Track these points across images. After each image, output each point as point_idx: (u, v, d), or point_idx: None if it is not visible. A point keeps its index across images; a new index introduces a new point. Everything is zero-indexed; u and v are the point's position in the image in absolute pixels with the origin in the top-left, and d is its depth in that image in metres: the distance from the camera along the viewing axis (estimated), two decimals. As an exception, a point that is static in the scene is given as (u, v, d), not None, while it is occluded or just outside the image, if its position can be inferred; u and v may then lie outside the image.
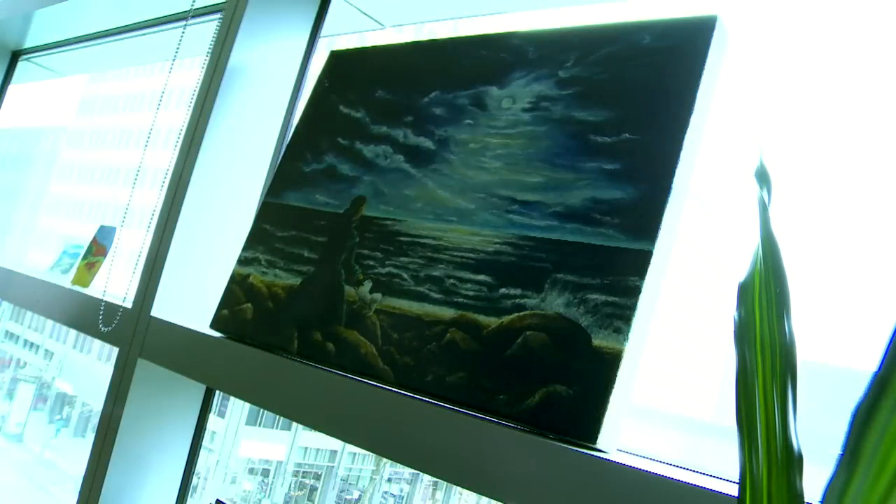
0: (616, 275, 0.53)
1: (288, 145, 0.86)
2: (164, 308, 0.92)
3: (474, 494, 0.52)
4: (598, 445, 0.48)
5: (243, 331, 0.76)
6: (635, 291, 0.51)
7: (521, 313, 0.56)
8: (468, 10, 1.07)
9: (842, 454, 0.21)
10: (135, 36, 1.61)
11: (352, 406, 0.62)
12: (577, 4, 0.92)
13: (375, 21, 1.17)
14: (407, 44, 0.81)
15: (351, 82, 0.84)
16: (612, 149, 0.58)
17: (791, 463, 0.25)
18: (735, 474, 0.32)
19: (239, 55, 0.97)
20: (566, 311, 0.54)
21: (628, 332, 0.50)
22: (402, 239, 0.67)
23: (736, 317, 0.28)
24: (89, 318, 1.01)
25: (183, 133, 0.97)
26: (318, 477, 6.16)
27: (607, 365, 0.50)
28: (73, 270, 1.25)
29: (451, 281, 0.62)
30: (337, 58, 0.89)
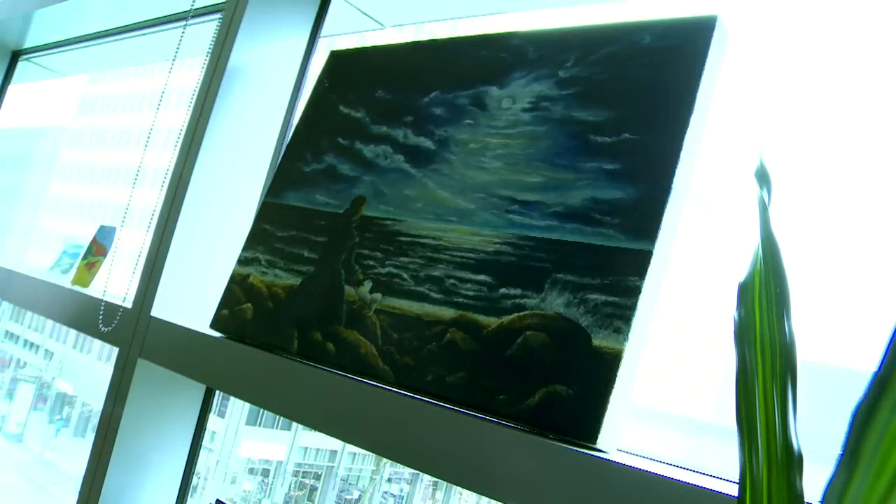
0: (616, 275, 0.53)
1: (288, 145, 0.86)
2: (164, 308, 0.92)
3: (474, 494, 0.52)
4: (598, 445, 0.48)
5: (243, 331, 0.76)
6: (635, 291, 0.51)
7: (521, 313, 0.56)
8: (468, 10, 1.07)
9: (842, 454, 0.21)
10: (135, 36, 1.61)
11: (352, 406, 0.62)
12: (577, 4, 0.92)
13: (375, 21, 1.17)
14: (407, 44, 0.81)
15: (351, 82, 0.84)
16: (612, 149, 0.58)
17: (791, 463, 0.25)
18: (735, 474, 0.32)
19: (239, 55, 0.97)
20: (566, 311, 0.54)
21: (628, 332, 0.50)
22: (402, 239, 0.67)
23: (736, 317, 0.28)
24: (89, 318, 1.01)
25: (183, 133, 0.97)
26: (318, 477, 6.16)
27: (607, 365, 0.50)
28: (73, 270, 1.25)
29: (451, 281, 0.62)
30: (337, 58, 0.89)
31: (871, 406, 0.21)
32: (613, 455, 0.48)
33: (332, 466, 6.08)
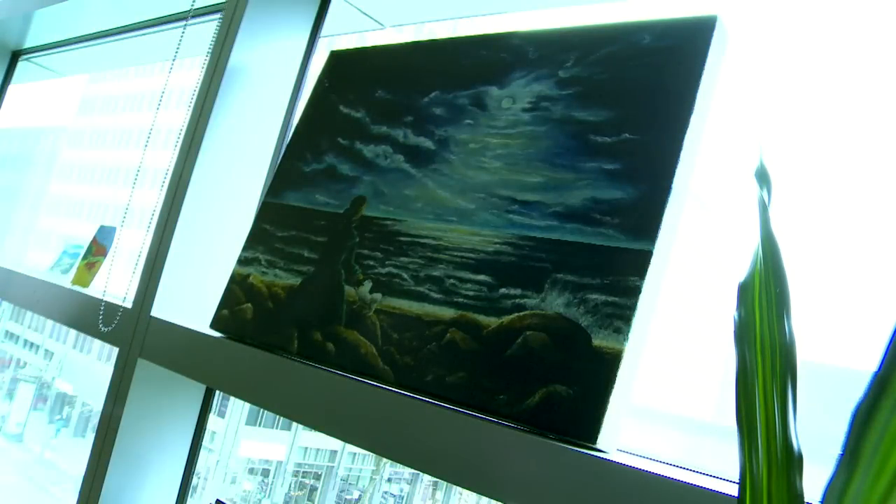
0: (616, 275, 0.53)
1: (288, 145, 0.86)
2: (164, 308, 0.92)
3: (474, 494, 0.52)
4: (598, 445, 0.48)
5: (243, 331, 0.76)
6: (635, 291, 0.51)
7: (521, 313, 0.56)
8: (468, 10, 1.07)
9: (842, 454, 0.21)
10: (135, 36, 1.62)
11: (352, 406, 0.62)
12: (577, 4, 0.92)
13: (375, 21, 1.17)
14: (407, 44, 0.81)
15: (351, 82, 0.84)
16: (612, 149, 0.58)
17: (791, 463, 0.25)
18: (735, 474, 0.32)
19: (239, 55, 0.97)
20: (566, 311, 0.54)
21: (628, 332, 0.50)
22: (402, 239, 0.67)
23: (736, 317, 0.28)
24: (89, 318, 1.01)
25: (183, 133, 0.97)
26: (318, 477, 6.16)
27: (607, 365, 0.50)
28: (73, 270, 1.25)
29: (451, 281, 0.62)
30: (337, 58, 0.89)
31: (871, 406, 0.21)
32: (613, 455, 0.48)
33: (332, 466, 6.08)
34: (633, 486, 0.44)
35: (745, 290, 0.28)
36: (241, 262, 0.81)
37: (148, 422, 0.93)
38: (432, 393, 0.58)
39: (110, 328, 0.96)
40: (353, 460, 5.91)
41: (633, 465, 0.45)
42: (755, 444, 0.25)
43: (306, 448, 6.12)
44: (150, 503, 0.94)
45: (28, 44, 1.91)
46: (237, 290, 0.80)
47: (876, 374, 0.21)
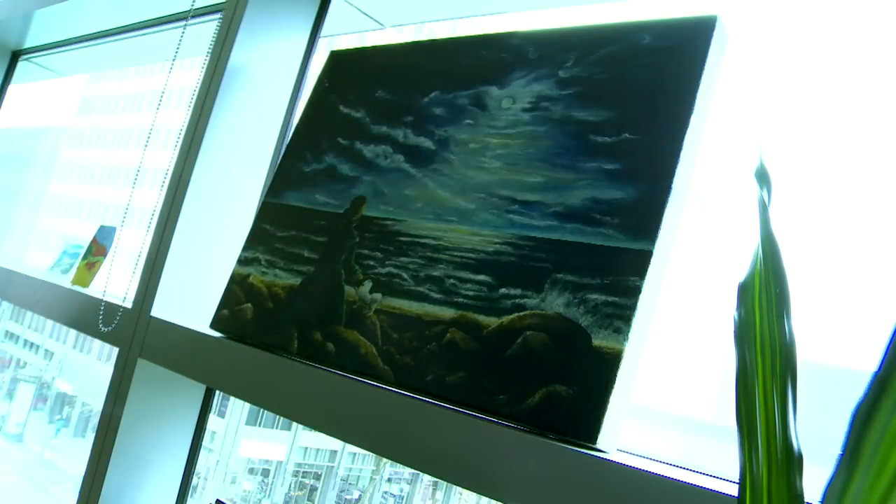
0: (616, 275, 0.53)
1: (288, 145, 0.86)
2: (164, 308, 0.92)
3: (474, 494, 0.52)
4: (598, 445, 0.48)
5: (243, 331, 0.76)
6: (635, 291, 0.51)
7: (521, 313, 0.56)
8: (468, 10, 1.07)
9: (842, 454, 0.21)
10: (135, 36, 1.62)
11: (352, 406, 0.62)
12: (577, 4, 0.92)
13: (375, 21, 1.17)
14: (407, 44, 0.81)
15: (351, 82, 0.84)
16: (612, 149, 0.58)
17: (791, 463, 0.25)
18: (735, 474, 0.32)
19: (239, 55, 0.97)
20: (566, 311, 0.54)
21: (628, 332, 0.50)
22: (402, 239, 0.67)
23: (736, 317, 0.28)
24: (89, 318, 1.01)
25: (183, 133, 0.97)
26: (318, 477, 6.16)
27: (607, 365, 0.50)
28: (73, 270, 1.25)
29: (451, 281, 0.62)
30: (337, 58, 0.89)
31: (871, 406, 0.21)
32: (613, 455, 0.48)
33: (332, 466, 6.08)
34: (633, 486, 0.44)
35: (745, 290, 0.28)
36: (241, 262, 0.81)
37: (148, 422, 0.93)
38: (432, 393, 0.58)
39: (110, 328, 0.96)
40: (353, 460, 5.91)
41: (633, 465, 0.45)
42: (755, 444, 0.25)
43: (306, 448, 6.12)
44: (150, 503, 0.94)
45: (28, 44, 1.91)
46: (237, 290, 0.80)
47: (876, 374, 0.21)
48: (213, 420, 1.03)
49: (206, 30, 1.19)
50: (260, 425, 6.32)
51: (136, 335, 0.92)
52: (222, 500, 0.85)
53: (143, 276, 0.95)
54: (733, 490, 0.41)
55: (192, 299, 0.95)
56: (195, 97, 0.98)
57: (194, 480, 0.99)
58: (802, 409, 0.26)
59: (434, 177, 0.69)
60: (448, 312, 0.60)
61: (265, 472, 6.33)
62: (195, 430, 0.98)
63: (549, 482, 0.48)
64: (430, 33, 0.86)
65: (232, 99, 0.96)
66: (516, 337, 0.55)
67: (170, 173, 0.97)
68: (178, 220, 0.93)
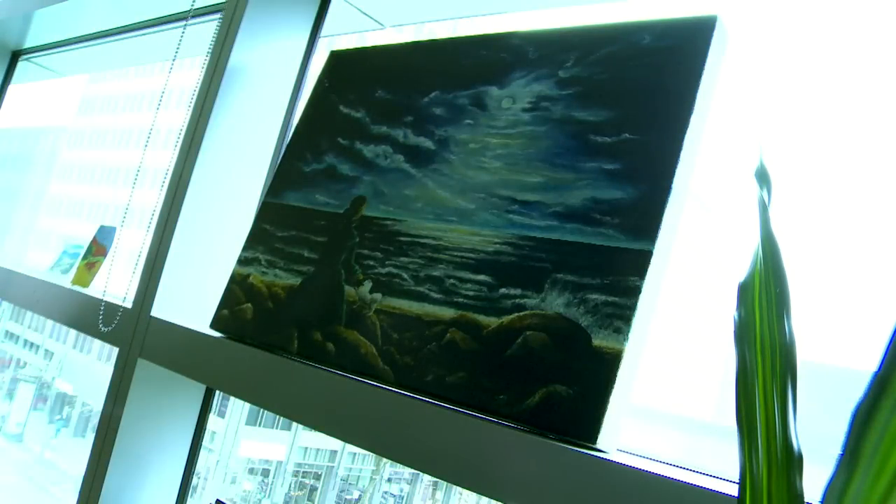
0: (616, 275, 0.53)
1: (288, 145, 0.86)
2: (164, 308, 0.92)
3: (474, 494, 0.52)
4: (598, 445, 0.48)
5: (243, 331, 0.76)
6: (635, 291, 0.51)
7: (521, 313, 0.56)
8: (468, 10, 1.07)
9: (842, 454, 0.21)
10: (135, 36, 1.61)
11: (352, 406, 0.62)
12: (577, 4, 0.92)
13: (375, 21, 1.17)
14: (407, 44, 0.81)
15: (351, 82, 0.84)
16: (612, 149, 0.58)
17: (791, 463, 0.25)
18: (735, 474, 0.32)
19: (239, 55, 0.97)
20: (566, 311, 0.54)
21: (628, 332, 0.50)
22: (402, 239, 0.67)
23: (736, 317, 0.28)
24: (89, 318, 1.01)
25: (183, 133, 0.97)
26: (318, 477, 6.16)
27: (607, 365, 0.50)
28: (73, 270, 1.25)
29: (451, 281, 0.62)
30: (337, 58, 0.89)
31: (871, 406, 0.21)
32: (613, 455, 0.48)
33: (332, 466, 6.08)
34: (633, 486, 0.44)
35: (745, 290, 0.28)
36: (241, 262, 0.81)
37: (148, 422, 0.93)
38: (432, 393, 0.58)
39: (110, 328, 0.96)
40: (353, 460, 5.91)
41: (633, 465, 0.45)
42: (755, 444, 0.25)
43: (306, 448, 6.12)
44: (150, 503, 0.94)
45: (28, 44, 1.91)
46: (237, 290, 0.80)
47: (876, 374, 0.21)
48: (213, 420, 1.03)
49: (206, 30, 1.19)
50: (260, 425, 6.32)
51: (136, 335, 0.92)
52: (222, 500, 0.85)
53: (143, 276, 0.95)
54: (733, 490, 0.41)
55: (192, 299, 0.95)
56: (195, 97, 0.98)
57: (194, 480, 0.99)
58: (802, 409, 0.26)
59: (434, 177, 0.69)
60: (448, 312, 0.60)
61: (265, 472, 6.33)
62: (195, 430, 0.98)
63: (549, 482, 0.48)
64: (430, 33, 0.86)
65: (232, 99, 0.96)
66: (516, 337, 0.55)
67: (170, 173, 0.97)
68: (178, 220, 0.93)
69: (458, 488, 0.67)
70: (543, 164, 0.61)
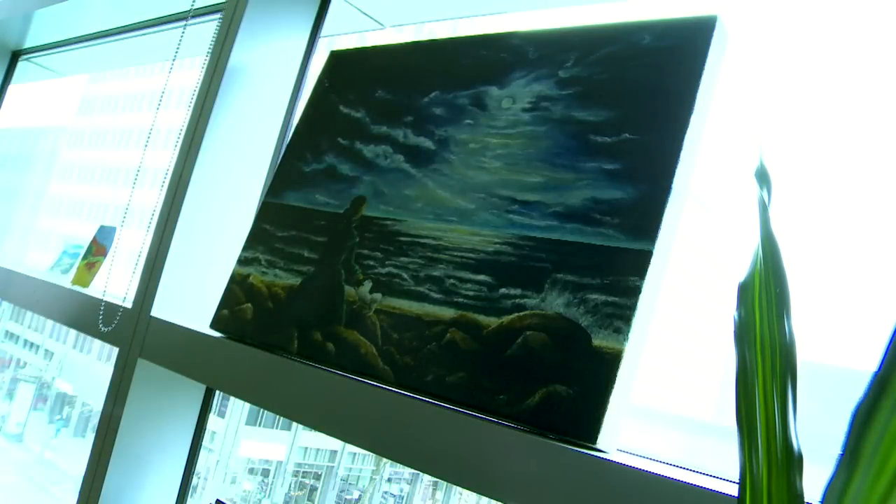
0: (616, 275, 0.53)
1: (288, 145, 0.86)
2: (164, 308, 0.92)
3: (474, 494, 0.52)
4: (598, 445, 0.48)
5: (243, 331, 0.76)
6: (635, 291, 0.51)
7: (521, 313, 0.56)
8: (468, 10, 1.07)
9: (842, 454, 0.21)
10: (135, 36, 1.61)
11: (352, 406, 0.62)
12: (578, 4, 0.92)
13: (375, 21, 1.17)
14: (407, 44, 0.81)
15: (351, 82, 0.84)
16: (612, 149, 0.58)
17: (791, 463, 0.25)
18: (735, 474, 0.32)
19: (239, 55, 0.97)
20: (566, 311, 0.54)
21: (628, 332, 0.50)
22: (402, 239, 0.67)
23: (736, 317, 0.28)
24: (89, 318, 1.01)
25: (183, 133, 0.97)
26: (318, 477, 6.16)
27: (607, 365, 0.50)
28: (73, 270, 1.25)
29: (451, 281, 0.62)
30: (337, 58, 0.89)
31: (871, 406, 0.21)
32: (613, 455, 0.48)
33: (332, 466, 6.08)
34: (633, 486, 0.44)
35: (745, 290, 0.28)
36: (241, 262, 0.81)
37: (148, 422, 0.93)
38: (432, 393, 0.58)
39: (110, 328, 0.96)
40: (353, 460, 5.91)
41: (633, 465, 0.45)
42: (755, 444, 0.25)
43: (306, 448, 6.12)
44: (150, 503, 0.94)
45: (28, 44, 1.91)
46: (237, 290, 0.80)
47: (876, 374, 0.21)
48: (213, 420, 1.03)
49: (206, 30, 1.19)
50: (260, 425, 6.32)
51: (136, 335, 0.92)
52: (222, 500, 0.85)
53: (143, 276, 0.95)
54: (733, 490, 0.41)
55: (192, 299, 0.95)
56: (195, 97, 0.98)
57: (194, 480, 0.99)
58: (802, 409, 0.26)
59: (434, 177, 0.69)
60: (448, 312, 0.60)
61: (265, 472, 6.33)
62: (195, 430, 0.98)
63: (549, 482, 0.48)
64: (430, 33, 0.86)
65: (232, 99, 0.96)
66: (516, 337, 0.55)
67: (170, 173, 0.97)
68: (178, 220, 0.93)
69: (458, 488, 0.67)
70: (543, 164, 0.61)
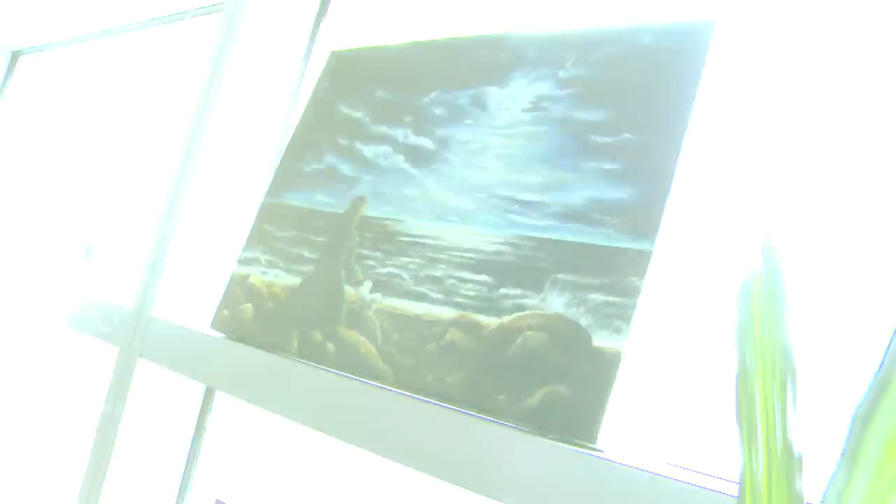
0: (616, 275, 0.53)
1: (288, 145, 0.86)
2: (164, 308, 0.92)
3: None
4: (598, 445, 0.48)
5: (243, 331, 0.76)
6: (635, 291, 0.51)
7: (521, 313, 0.56)
8: (468, 10, 1.07)
9: (842, 454, 0.21)
10: (134, 35, 1.61)
11: (352, 406, 0.62)
12: (577, 4, 0.92)
13: (375, 21, 1.17)
14: (407, 44, 0.81)
15: (351, 82, 0.84)
16: (612, 149, 0.58)
17: (791, 463, 0.25)
18: (735, 474, 0.32)
19: (239, 55, 0.97)
20: (566, 311, 0.54)
21: (628, 332, 0.50)
22: (402, 239, 0.67)
23: (736, 317, 0.28)
24: (89, 318, 1.01)
25: (183, 133, 0.97)
26: (317, 477, 6.15)
27: (607, 365, 0.50)
28: (73, 271, 1.25)
29: (451, 281, 0.62)
30: (337, 58, 0.89)
31: (871, 406, 0.21)
32: (613, 455, 0.48)
33: (332, 466, 6.07)
34: (633, 485, 0.44)
35: (745, 290, 0.28)
36: (241, 262, 0.81)
37: (148, 422, 0.93)
38: (432, 393, 0.58)
39: (110, 328, 0.96)
40: (353, 460, 5.91)
41: (633, 465, 0.45)
42: (755, 444, 0.25)
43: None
44: (150, 503, 0.94)
45: (28, 44, 1.91)
46: (237, 290, 0.80)
47: (876, 374, 0.21)
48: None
49: (206, 30, 1.19)
50: (260, 425, 6.31)
51: (136, 335, 0.92)
52: (222, 500, 0.85)
53: (143, 276, 0.95)
54: (733, 490, 0.41)
55: (192, 299, 0.95)
56: (196, 97, 0.98)
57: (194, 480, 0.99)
58: (802, 409, 0.26)
59: (434, 177, 0.69)
60: (448, 312, 0.60)
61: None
62: (195, 430, 0.98)
63: (549, 482, 0.48)
64: (429, 33, 0.86)
65: (232, 99, 0.96)
66: (516, 337, 0.55)
67: (170, 174, 0.97)
68: (178, 220, 0.93)
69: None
70: (543, 164, 0.61)
